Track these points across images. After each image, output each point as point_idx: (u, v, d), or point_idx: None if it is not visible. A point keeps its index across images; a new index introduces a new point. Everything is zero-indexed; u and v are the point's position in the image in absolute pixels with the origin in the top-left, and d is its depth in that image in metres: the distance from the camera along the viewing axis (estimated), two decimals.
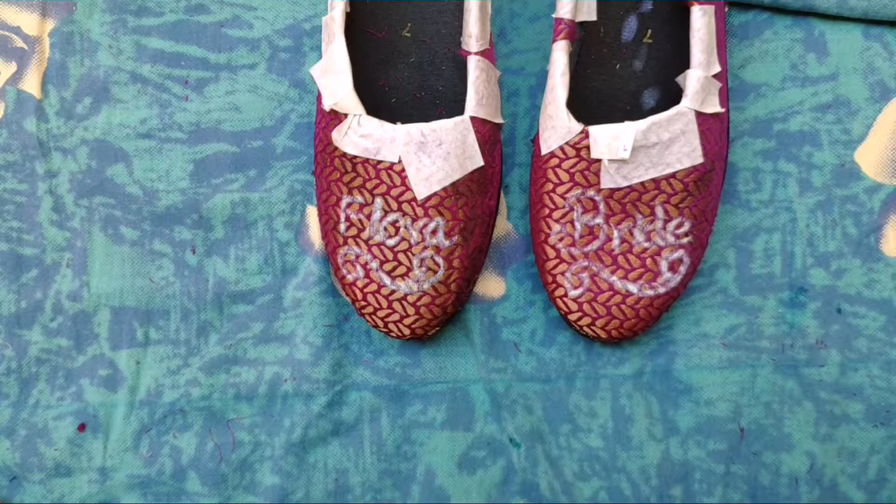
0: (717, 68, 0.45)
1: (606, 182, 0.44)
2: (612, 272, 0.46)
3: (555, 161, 0.45)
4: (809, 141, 0.51)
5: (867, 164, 0.51)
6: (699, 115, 0.44)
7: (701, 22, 0.44)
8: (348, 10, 0.46)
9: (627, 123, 0.44)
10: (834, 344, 0.51)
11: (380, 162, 0.45)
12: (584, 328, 0.47)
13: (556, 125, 0.44)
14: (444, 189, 0.45)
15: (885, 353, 0.51)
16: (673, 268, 0.46)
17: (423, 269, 0.46)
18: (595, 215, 0.45)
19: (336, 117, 0.45)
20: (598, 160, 0.44)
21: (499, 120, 0.47)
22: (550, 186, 0.45)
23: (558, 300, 0.47)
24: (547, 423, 0.51)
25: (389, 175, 0.45)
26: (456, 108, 0.48)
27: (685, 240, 0.46)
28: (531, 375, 0.51)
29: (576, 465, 0.50)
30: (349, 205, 0.46)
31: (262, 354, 0.50)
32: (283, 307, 0.51)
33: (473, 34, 0.45)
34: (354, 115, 0.44)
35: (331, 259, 0.48)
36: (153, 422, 0.50)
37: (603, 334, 0.47)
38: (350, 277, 0.47)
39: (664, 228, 0.45)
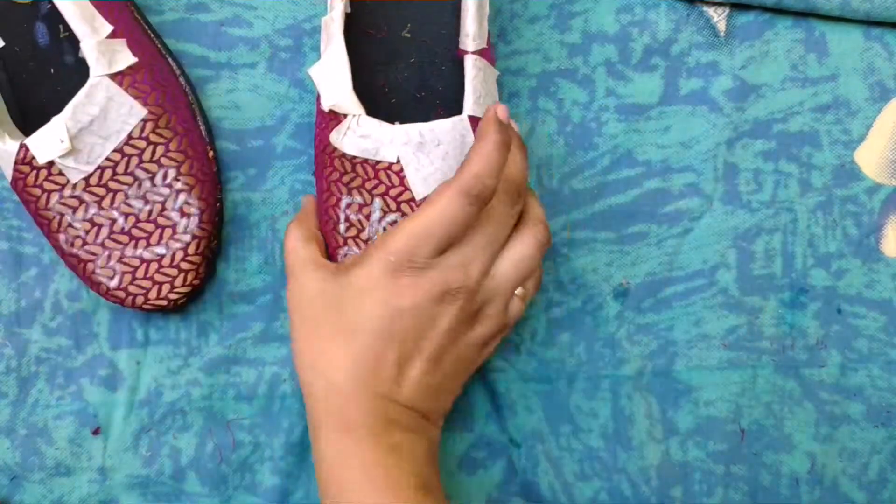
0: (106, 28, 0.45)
1: (73, 176, 0.45)
2: (135, 246, 0.46)
3: (22, 184, 0.45)
4: (809, 141, 0.51)
5: (867, 165, 0.51)
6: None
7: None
8: (348, 10, 0.46)
9: (55, 120, 0.44)
10: (834, 344, 0.50)
11: (378, 162, 0.45)
12: (146, 306, 0.47)
13: None
14: None
15: (885, 354, 0.50)
16: (183, 212, 0.46)
17: None
18: (86, 209, 0.45)
19: (335, 118, 0.45)
20: (52, 163, 0.44)
21: None
22: (32, 208, 0.46)
23: (109, 297, 0.47)
24: (547, 424, 0.51)
25: (388, 175, 0.45)
26: (456, 108, 0.48)
27: (178, 184, 0.46)
28: (532, 376, 0.51)
29: (576, 465, 0.50)
30: (349, 205, 0.46)
31: (261, 354, 0.50)
32: (283, 307, 0.51)
33: (470, 33, 0.45)
34: (353, 115, 0.44)
35: (331, 259, 0.48)
36: (153, 422, 0.50)
37: (164, 302, 0.47)
38: None
39: (153, 184, 0.46)
